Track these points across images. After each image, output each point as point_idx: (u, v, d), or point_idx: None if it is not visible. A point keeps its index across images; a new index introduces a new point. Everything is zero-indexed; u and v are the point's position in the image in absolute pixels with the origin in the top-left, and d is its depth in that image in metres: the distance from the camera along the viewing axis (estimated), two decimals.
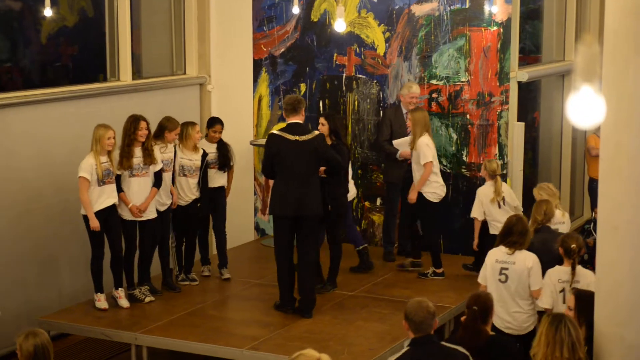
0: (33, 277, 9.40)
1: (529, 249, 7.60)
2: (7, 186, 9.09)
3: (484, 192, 9.54)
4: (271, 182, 9.21)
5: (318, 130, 9.06)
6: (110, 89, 10.24)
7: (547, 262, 7.48)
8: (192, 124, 9.53)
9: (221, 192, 9.90)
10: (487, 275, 7.56)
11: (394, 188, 10.55)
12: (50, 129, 9.51)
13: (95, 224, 8.62)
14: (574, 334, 5.62)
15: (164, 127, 9.22)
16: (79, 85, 10.11)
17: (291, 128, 8.60)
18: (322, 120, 9.42)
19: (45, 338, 5.62)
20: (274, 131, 8.76)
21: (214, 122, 9.83)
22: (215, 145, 9.74)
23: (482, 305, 6.11)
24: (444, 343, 5.74)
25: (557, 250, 7.38)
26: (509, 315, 7.47)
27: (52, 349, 5.66)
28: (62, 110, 9.65)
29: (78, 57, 10.82)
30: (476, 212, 9.56)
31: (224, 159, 9.78)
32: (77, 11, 10.71)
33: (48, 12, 9.95)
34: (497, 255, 7.56)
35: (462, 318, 6.23)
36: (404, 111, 10.42)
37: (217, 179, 9.79)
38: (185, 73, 11.33)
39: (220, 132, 9.79)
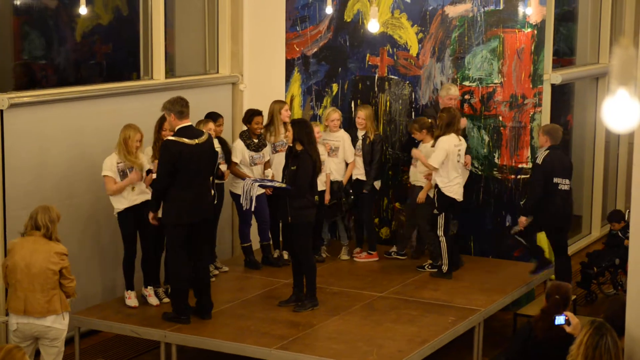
0: None
1: None
2: (40, 183, 9.16)
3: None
4: None
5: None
6: (144, 88, 10.29)
7: None
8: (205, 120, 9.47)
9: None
10: None
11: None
12: (83, 126, 9.57)
13: (135, 177, 8.70)
14: (613, 351, 5.53)
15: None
16: (112, 84, 10.17)
17: (185, 132, 8.34)
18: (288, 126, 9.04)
19: None
20: (170, 137, 8.38)
21: (218, 116, 9.74)
22: (216, 140, 9.48)
23: (564, 295, 6.48)
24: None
25: None
26: None
27: None
28: (95, 108, 9.70)
29: (112, 56, 10.88)
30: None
31: (227, 155, 9.77)
32: (111, 10, 10.78)
33: (83, 10, 10.00)
34: None
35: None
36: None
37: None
38: (218, 72, 11.36)
39: (222, 125, 9.76)
